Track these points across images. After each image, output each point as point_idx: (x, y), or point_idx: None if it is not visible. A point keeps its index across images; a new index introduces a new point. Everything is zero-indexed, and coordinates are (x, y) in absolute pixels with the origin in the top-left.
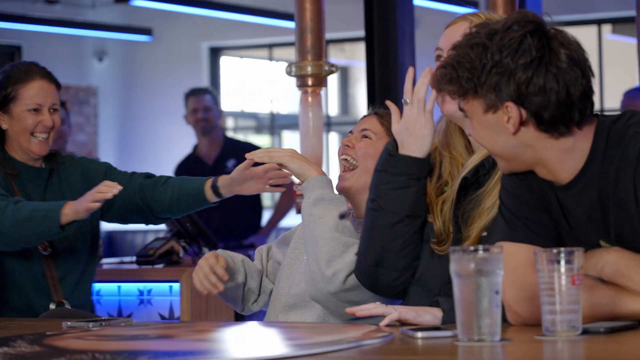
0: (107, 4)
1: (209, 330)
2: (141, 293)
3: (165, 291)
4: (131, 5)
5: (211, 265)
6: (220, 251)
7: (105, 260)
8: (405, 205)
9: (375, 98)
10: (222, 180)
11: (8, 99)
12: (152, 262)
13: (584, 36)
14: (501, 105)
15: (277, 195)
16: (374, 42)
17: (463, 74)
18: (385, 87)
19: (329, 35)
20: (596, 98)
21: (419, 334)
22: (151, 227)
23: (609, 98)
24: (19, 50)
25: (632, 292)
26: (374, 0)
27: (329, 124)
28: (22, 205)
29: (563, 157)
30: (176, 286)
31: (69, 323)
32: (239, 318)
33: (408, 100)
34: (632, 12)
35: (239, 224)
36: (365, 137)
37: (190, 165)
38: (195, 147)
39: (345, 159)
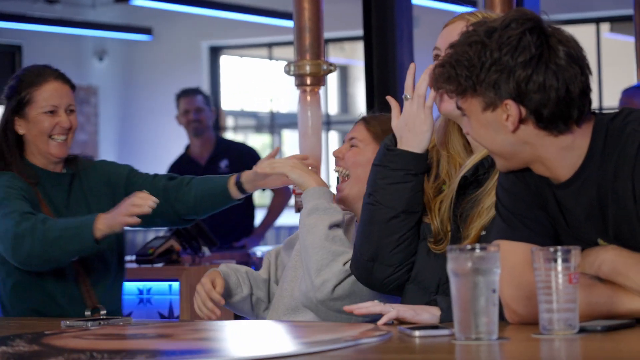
0: (107, 3)
1: (207, 330)
2: (141, 292)
3: (164, 290)
4: (131, 5)
5: (207, 291)
6: (223, 266)
7: None
8: (402, 201)
9: (374, 97)
10: (246, 175)
11: (23, 103)
12: (152, 261)
13: (582, 35)
14: (500, 103)
15: (270, 195)
16: (372, 41)
17: (461, 72)
18: (384, 86)
19: (328, 35)
20: (595, 96)
21: (417, 333)
22: None
23: (607, 96)
24: (19, 49)
25: (630, 290)
26: (372, 0)
27: (328, 123)
28: (51, 224)
29: (562, 154)
30: (175, 285)
31: (68, 322)
32: (239, 317)
33: (409, 96)
34: (630, 11)
35: (232, 225)
36: (354, 146)
37: (183, 166)
38: (187, 148)
39: (339, 171)
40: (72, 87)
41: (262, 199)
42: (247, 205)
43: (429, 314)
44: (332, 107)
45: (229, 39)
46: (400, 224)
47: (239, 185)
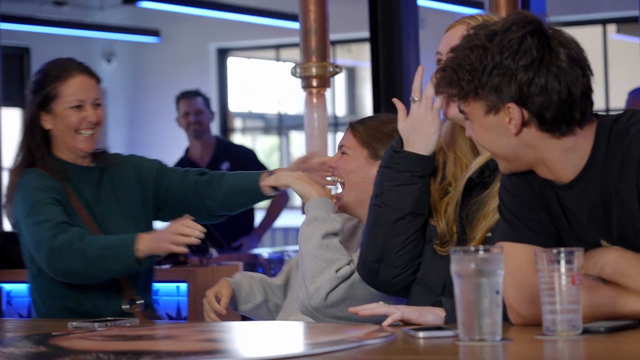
0: (115, 5)
1: (212, 331)
2: None
3: (172, 291)
4: (139, 7)
5: (209, 303)
6: (238, 274)
7: None
8: (408, 202)
9: (380, 98)
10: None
11: (49, 98)
12: (159, 262)
13: (589, 36)
14: (503, 107)
15: None
16: (378, 43)
17: (463, 76)
18: (390, 88)
19: (335, 36)
20: (601, 98)
21: (421, 334)
22: None
23: (614, 97)
24: (27, 51)
25: (633, 291)
26: (378, 2)
27: (336, 124)
28: (90, 241)
29: (565, 156)
30: (183, 286)
31: (75, 323)
32: (247, 319)
33: (416, 98)
34: (636, 12)
35: (231, 225)
36: (344, 153)
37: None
38: (187, 150)
39: (335, 180)
40: (98, 80)
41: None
42: None
43: (434, 315)
44: (340, 108)
45: (237, 40)
46: (407, 225)
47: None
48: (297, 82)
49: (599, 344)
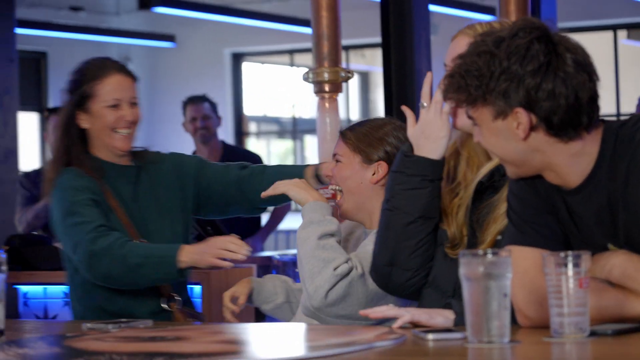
0: (131, 11)
1: (224, 332)
2: None
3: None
4: (154, 12)
5: (224, 302)
6: (267, 276)
7: None
8: (419, 206)
9: (392, 102)
10: (325, 167)
11: (86, 97)
12: None
13: (600, 41)
14: (511, 112)
15: None
16: (390, 48)
17: (471, 81)
18: (402, 92)
19: (349, 42)
20: (612, 102)
21: (430, 336)
22: None
23: (624, 102)
24: (44, 56)
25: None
26: (390, 7)
27: None
28: (131, 248)
29: (572, 161)
30: (197, 288)
31: (89, 325)
32: (260, 320)
33: (425, 104)
34: None
35: (236, 226)
36: (338, 161)
37: None
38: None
39: (333, 189)
40: (135, 79)
41: None
42: None
43: (443, 317)
44: (354, 112)
45: (251, 45)
46: (418, 229)
47: (318, 178)
48: (310, 87)
49: (606, 347)
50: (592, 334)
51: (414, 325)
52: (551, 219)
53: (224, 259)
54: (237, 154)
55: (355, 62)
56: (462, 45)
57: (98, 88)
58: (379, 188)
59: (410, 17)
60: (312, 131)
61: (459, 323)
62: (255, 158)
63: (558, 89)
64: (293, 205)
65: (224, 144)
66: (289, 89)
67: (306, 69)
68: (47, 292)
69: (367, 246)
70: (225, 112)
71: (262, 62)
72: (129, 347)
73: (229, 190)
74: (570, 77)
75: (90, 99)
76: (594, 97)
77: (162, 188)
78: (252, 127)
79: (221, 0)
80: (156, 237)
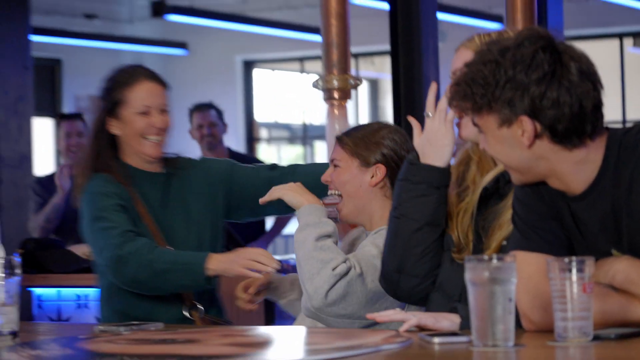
0: (144, 19)
1: (234, 335)
2: None
3: None
4: (167, 20)
5: (237, 291)
6: (291, 274)
7: None
8: (425, 213)
9: (400, 109)
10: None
11: (116, 104)
12: None
13: (606, 49)
14: (515, 120)
15: None
16: (399, 56)
17: (477, 90)
18: (410, 99)
19: (358, 49)
20: (618, 109)
21: (436, 340)
22: None
23: (630, 109)
24: (58, 63)
25: None
26: (399, 16)
27: None
28: (158, 254)
29: (576, 168)
30: None
31: (101, 327)
32: (270, 321)
33: (430, 114)
34: None
35: (240, 230)
36: (336, 166)
37: None
38: None
39: (332, 194)
40: (165, 86)
41: None
42: None
43: (449, 321)
44: (363, 119)
45: (262, 53)
46: (424, 235)
47: None
48: (320, 93)
49: (609, 350)
50: (596, 338)
51: (421, 328)
52: (556, 225)
53: (253, 270)
54: (243, 160)
55: (365, 69)
56: (461, 59)
57: (128, 94)
58: (377, 190)
59: (419, 25)
60: (322, 137)
61: (465, 327)
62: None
63: (562, 97)
64: None
65: (229, 150)
66: (299, 95)
67: (316, 76)
68: (60, 295)
69: (365, 247)
70: (237, 118)
71: (273, 69)
72: (140, 349)
73: (261, 192)
74: (574, 86)
75: (121, 105)
76: (597, 106)
77: (191, 195)
78: (263, 133)
79: (233, 8)
80: (182, 245)
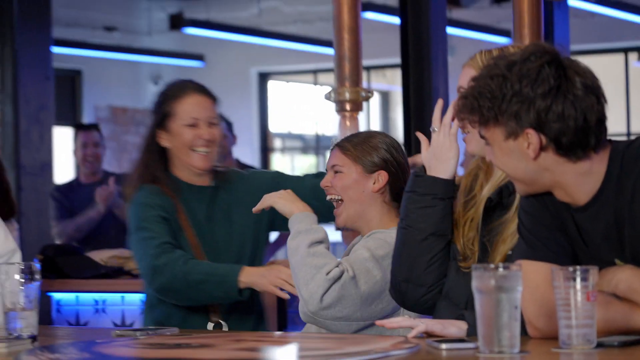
0: (162, 31)
1: (247, 340)
2: None
3: None
4: (185, 33)
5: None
6: None
7: None
8: (431, 223)
9: (410, 121)
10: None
11: (165, 116)
12: None
13: (611, 64)
14: (521, 132)
15: None
16: (409, 69)
17: (484, 103)
18: (420, 111)
19: (370, 62)
20: (623, 122)
21: (444, 346)
22: None
23: (635, 123)
24: (79, 74)
25: None
26: (409, 30)
27: None
28: (193, 265)
29: (580, 180)
30: None
31: (118, 331)
32: (282, 325)
33: (436, 129)
34: None
35: None
36: (337, 172)
37: None
38: None
39: (331, 199)
40: (214, 100)
41: None
42: None
43: (456, 327)
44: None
45: (277, 65)
46: (430, 245)
47: None
48: (333, 105)
49: (612, 357)
50: (599, 345)
51: (428, 335)
52: (560, 235)
53: (282, 289)
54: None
55: (377, 81)
56: (465, 77)
57: (177, 107)
58: (378, 196)
59: (428, 40)
60: None
61: (472, 333)
62: None
63: (567, 111)
64: None
65: (238, 162)
66: (312, 106)
67: (329, 88)
68: (79, 300)
69: (358, 250)
70: (251, 128)
71: (287, 81)
72: (155, 354)
73: (307, 200)
74: (579, 100)
75: (170, 117)
76: (601, 119)
77: (237, 208)
78: (277, 143)
79: (248, 21)
80: (222, 257)
